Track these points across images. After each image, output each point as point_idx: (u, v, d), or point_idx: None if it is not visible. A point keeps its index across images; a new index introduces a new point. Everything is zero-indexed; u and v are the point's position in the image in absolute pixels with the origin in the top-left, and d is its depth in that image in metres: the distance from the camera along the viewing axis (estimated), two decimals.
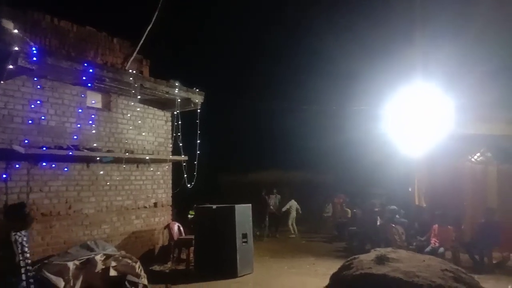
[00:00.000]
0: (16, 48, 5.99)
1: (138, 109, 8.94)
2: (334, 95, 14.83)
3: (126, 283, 6.65)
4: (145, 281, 6.95)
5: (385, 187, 15.29)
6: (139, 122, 8.96)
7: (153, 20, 8.61)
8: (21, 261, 4.35)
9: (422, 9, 11.04)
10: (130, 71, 8.39)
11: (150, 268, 8.33)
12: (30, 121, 7.01)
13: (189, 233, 9.47)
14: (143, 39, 8.79)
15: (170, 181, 9.66)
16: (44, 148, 6.99)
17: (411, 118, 10.26)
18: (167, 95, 8.77)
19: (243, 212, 8.36)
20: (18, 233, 4.43)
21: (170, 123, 9.66)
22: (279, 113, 16.65)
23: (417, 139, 10.16)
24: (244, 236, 8.20)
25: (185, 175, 9.13)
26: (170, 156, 9.36)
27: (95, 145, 7.95)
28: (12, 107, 6.82)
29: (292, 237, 13.51)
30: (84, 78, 7.32)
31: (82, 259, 6.69)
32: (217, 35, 22.24)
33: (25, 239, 4.47)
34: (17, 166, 6.83)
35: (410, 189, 12.00)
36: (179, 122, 9.20)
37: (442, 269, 4.45)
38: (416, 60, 10.90)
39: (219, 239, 8.09)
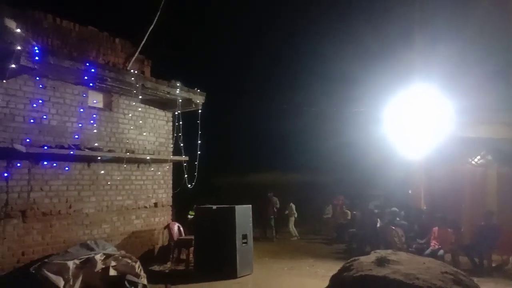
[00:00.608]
0: (19, 47, 6.01)
1: (139, 109, 8.96)
2: (333, 97, 14.86)
3: (126, 282, 6.65)
4: (145, 281, 6.95)
5: (384, 189, 15.30)
6: (140, 122, 8.97)
7: (155, 21, 8.64)
8: None
9: (421, 11, 11.08)
10: (132, 71, 8.41)
11: (150, 268, 8.33)
12: (31, 120, 7.03)
13: (189, 234, 9.47)
14: (144, 39, 8.82)
15: (171, 181, 9.68)
16: (45, 147, 7.01)
17: (410, 121, 10.29)
18: (168, 96, 8.79)
19: (244, 213, 8.36)
20: None
21: (171, 123, 9.68)
22: (279, 114, 16.68)
23: (417, 141, 10.19)
24: (244, 237, 8.20)
25: (186, 176, 9.15)
26: (171, 156, 9.37)
27: (96, 144, 7.96)
28: (14, 106, 6.84)
29: (293, 239, 13.49)
30: (85, 77, 7.35)
31: (82, 259, 6.69)
32: (218, 36, 22.31)
33: None
34: (18, 165, 6.84)
35: (410, 191, 12.04)
36: (180, 123, 9.22)
37: (442, 272, 4.46)
38: (415, 63, 10.94)
39: (219, 240, 8.10)
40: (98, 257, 6.75)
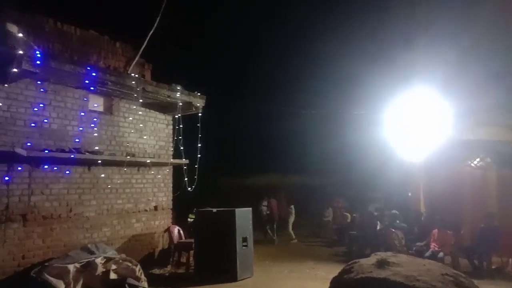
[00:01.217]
0: (20, 52, 6.06)
1: (140, 112, 8.98)
2: (334, 99, 14.91)
3: (127, 286, 6.67)
4: (145, 285, 6.96)
5: (384, 192, 15.31)
6: (141, 125, 9.00)
7: (155, 25, 8.68)
8: None
9: (422, 14, 11.14)
10: (132, 75, 8.45)
11: (150, 271, 8.34)
12: (32, 124, 7.05)
13: (189, 237, 9.48)
14: (145, 43, 8.86)
15: (171, 185, 9.70)
16: (46, 151, 7.02)
17: (410, 123, 10.32)
18: (168, 99, 8.82)
19: (244, 215, 8.37)
20: None
21: (171, 127, 9.71)
22: (279, 117, 16.72)
23: (416, 144, 10.22)
24: (244, 240, 8.20)
25: (186, 179, 9.17)
26: (171, 160, 9.40)
27: (96, 148, 7.98)
28: (15, 110, 6.86)
29: (293, 242, 13.49)
30: (86, 81, 7.39)
31: (82, 262, 6.71)
32: (218, 39, 22.36)
33: None
34: (19, 168, 6.86)
35: (410, 194, 12.05)
36: (181, 126, 9.25)
37: (442, 274, 4.48)
38: (415, 65, 10.98)
39: (219, 243, 8.09)
40: (99, 261, 6.77)
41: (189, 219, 11.19)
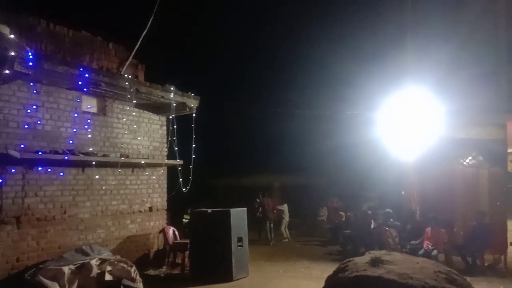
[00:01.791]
0: (12, 53, 6.01)
1: (134, 113, 8.97)
2: (327, 99, 14.96)
3: (122, 287, 6.66)
4: (141, 286, 6.96)
5: (378, 191, 15.41)
6: (135, 126, 8.98)
7: (148, 25, 8.68)
8: None
9: (413, 14, 11.21)
10: (126, 75, 8.43)
11: (145, 272, 8.33)
12: (25, 126, 7.01)
13: (184, 237, 9.48)
14: (138, 44, 8.86)
15: (165, 185, 9.69)
16: (40, 153, 6.98)
17: (403, 122, 10.40)
18: (162, 100, 8.81)
19: (239, 216, 8.39)
20: None
21: (165, 128, 9.69)
22: (273, 117, 16.76)
23: (409, 142, 10.30)
24: (240, 239, 8.22)
25: (180, 179, 9.16)
26: (165, 160, 9.39)
27: (90, 149, 7.95)
28: (8, 111, 6.82)
29: (285, 241, 13.52)
30: (79, 82, 7.35)
31: (77, 264, 6.69)
32: (212, 40, 22.36)
33: None
34: (12, 170, 6.82)
35: (403, 193, 12.13)
36: (175, 127, 9.25)
37: (435, 271, 4.52)
38: (407, 65, 11.06)
39: (214, 243, 8.11)
40: (94, 262, 6.75)
41: (184, 220, 11.19)
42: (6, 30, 6.32)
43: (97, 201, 8.15)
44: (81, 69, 7.19)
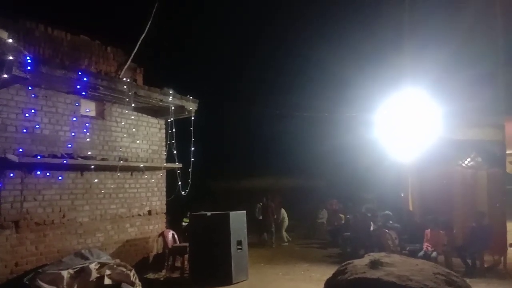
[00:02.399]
0: (10, 57, 6.00)
1: (132, 117, 8.97)
2: (326, 101, 14.99)
3: None
4: None
5: (376, 192, 15.41)
6: (133, 130, 8.98)
7: (146, 29, 8.70)
8: None
9: (410, 16, 11.25)
10: (124, 79, 8.43)
11: (145, 276, 8.31)
12: (24, 130, 7.01)
13: (183, 241, 9.46)
14: (136, 47, 8.87)
15: (164, 189, 9.67)
16: (38, 157, 6.99)
17: (401, 124, 10.42)
18: (161, 103, 8.81)
19: (238, 219, 8.38)
20: None
21: (164, 131, 9.69)
22: (271, 119, 16.77)
23: (408, 144, 10.31)
24: (239, 243, 8.21)
25: (179, 183, 9.16)
26: (164, 164, 9.38)
27: (89, 153, 7.95)
28: (6, 116, 6.82)
29: (284, 245, 13.51)
30: (78, 86, 7.36)
31: (76, 268, 6.67)
32: (210, 42, 22.40)
33: None
34: (11, 175, 6.81)
35: (402, 194, 12.14)
36: (173, 130, 9.25)
37: (434, 273, 4.53)
38: (405, 67, 11.08)
39: (213, 246, 8.10)
40: (93, 266, 6.74)
41: (183, 223, 11.18)
42: (4, 34, 6.30)
43: (96, 205, 8.14)
44: (80, 73, 7.20)
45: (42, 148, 7.23)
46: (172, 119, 9.21)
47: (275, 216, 13.56)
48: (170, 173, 9.71)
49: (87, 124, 8.05)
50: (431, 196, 10.59)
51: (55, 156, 7.27)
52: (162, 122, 9.68)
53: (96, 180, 8.10)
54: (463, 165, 10.47)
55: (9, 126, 6.85)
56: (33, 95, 7.18)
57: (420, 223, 10.02)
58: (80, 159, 7.60)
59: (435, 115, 9.62)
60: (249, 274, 8.36)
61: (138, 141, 9.07)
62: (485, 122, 9.71)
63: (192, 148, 9.31)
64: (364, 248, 9.98)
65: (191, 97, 9.31)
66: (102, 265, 6.86)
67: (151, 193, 9.33)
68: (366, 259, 4.97)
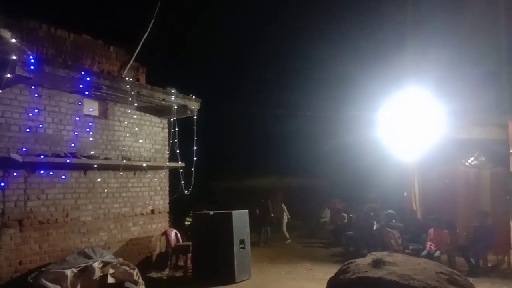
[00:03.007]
0: (14, 57, 6.03)
1: (135, 116, 8.99)
2: (328, 100, 14.96)
3: None
4: None
5: (379, 191, 15.38)
6: (136, 129, 9.00)
7: (149, 28, 8.70)
8: None
9: (413, 15, 11.21)
10: (127, 78, 8.45)
11: (148, 275, 8.33)
12: (27, 129, 7.05)
13: (186, 240, 9.48)
14: (139, 47, 8.88)
15: (167, 188, 9.70)
16: (42, 156, 7.03)
17: (404, 123, 10.38)
18: (163, 102, 8.83)
19: (241, 218, 8.39)
20: None
21: (166, 130, 9.71)
22: (274, 119, 16.77)
23: (411, 143, 10.28)
24: (242, 242, 8.22)
25: (182, 182, 9.17)
26: (167, 163, 9.40)
27: (92, 152, 7.98)
28: (10, 115, 6.86)
29: (287, 242, 13.51)
30: (81, 86, 7.39)
31: (79, 267, 6.70)
32: (212, 42, 22.40)
33: None
34: (14, 174, 6.85)
35: (405, 194, 12.11)
36: (176, 129, 9.26)
37: (437, 272, 4.51)
38: (408, 66, 11.05)
39: (216, 245, 8.11)
40: (96, 265, 6.76)
41: (186, 222, 11.20)
42: (7, 34, 6.33)
43: (99, 204, 8.17)
44: (82, 73, 7.22)
45: (45, 148, 7.27)
46: (174, 118, 9.23)
47: (272, 215, 13.55)
48: (173, 172, 9.72)
49: (90, 124, 8.08)
50: (434, 195, 10.55)
51: (58, 156, 7.31)
52: (165, 121, 9.70)
53: (99, 179, 8.13)
54: (467, 164, 10.43)
55: (12, 126, 6.88)
56: (36, 95, 7.21)
57: (423, 222, 9.99)
58: (83, 158, 7.63)
59: (438, 114, 9.58)
60: (251, 273, 8.37)
61: (141, 140, 9.09)
62: (488, 121, 9.66)
63: (195, 147, 9.33)
64: (367, 247, 9.96)
65: (193, 96, 9.32)
66: (106, 264, 6.89)
67: (154, 192, 9.36)
68: (368, 258, 4.95)
